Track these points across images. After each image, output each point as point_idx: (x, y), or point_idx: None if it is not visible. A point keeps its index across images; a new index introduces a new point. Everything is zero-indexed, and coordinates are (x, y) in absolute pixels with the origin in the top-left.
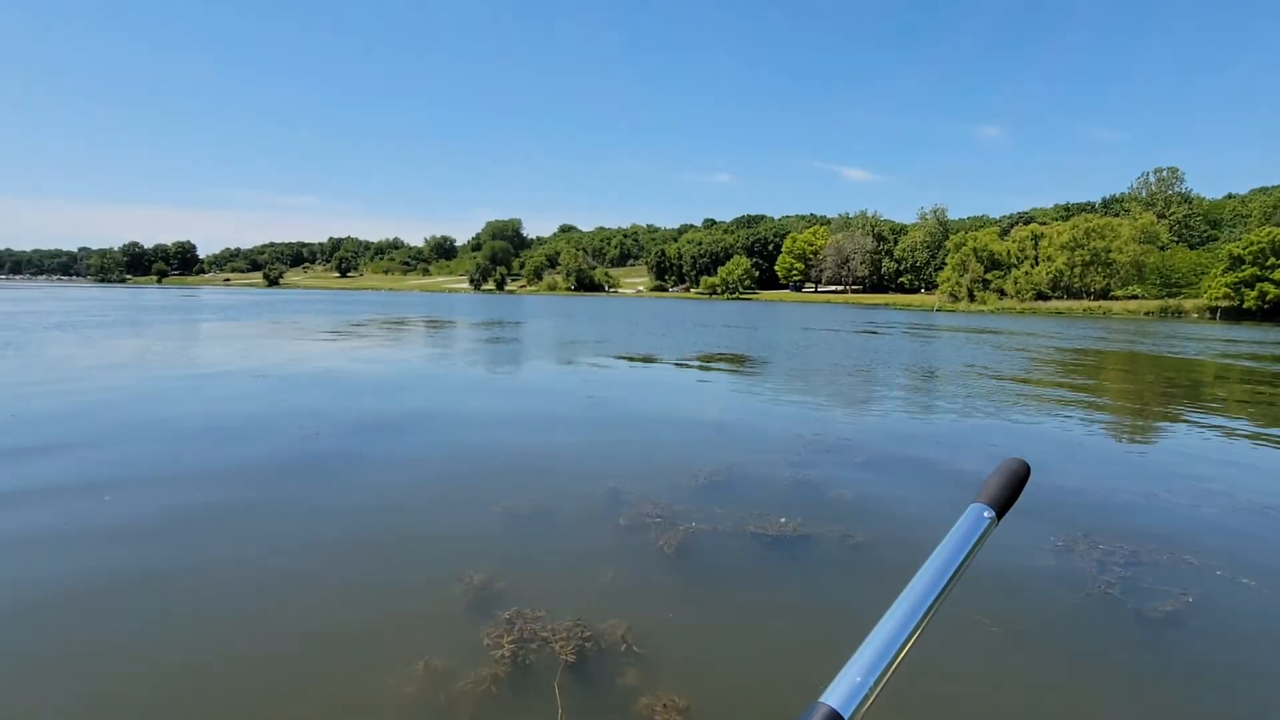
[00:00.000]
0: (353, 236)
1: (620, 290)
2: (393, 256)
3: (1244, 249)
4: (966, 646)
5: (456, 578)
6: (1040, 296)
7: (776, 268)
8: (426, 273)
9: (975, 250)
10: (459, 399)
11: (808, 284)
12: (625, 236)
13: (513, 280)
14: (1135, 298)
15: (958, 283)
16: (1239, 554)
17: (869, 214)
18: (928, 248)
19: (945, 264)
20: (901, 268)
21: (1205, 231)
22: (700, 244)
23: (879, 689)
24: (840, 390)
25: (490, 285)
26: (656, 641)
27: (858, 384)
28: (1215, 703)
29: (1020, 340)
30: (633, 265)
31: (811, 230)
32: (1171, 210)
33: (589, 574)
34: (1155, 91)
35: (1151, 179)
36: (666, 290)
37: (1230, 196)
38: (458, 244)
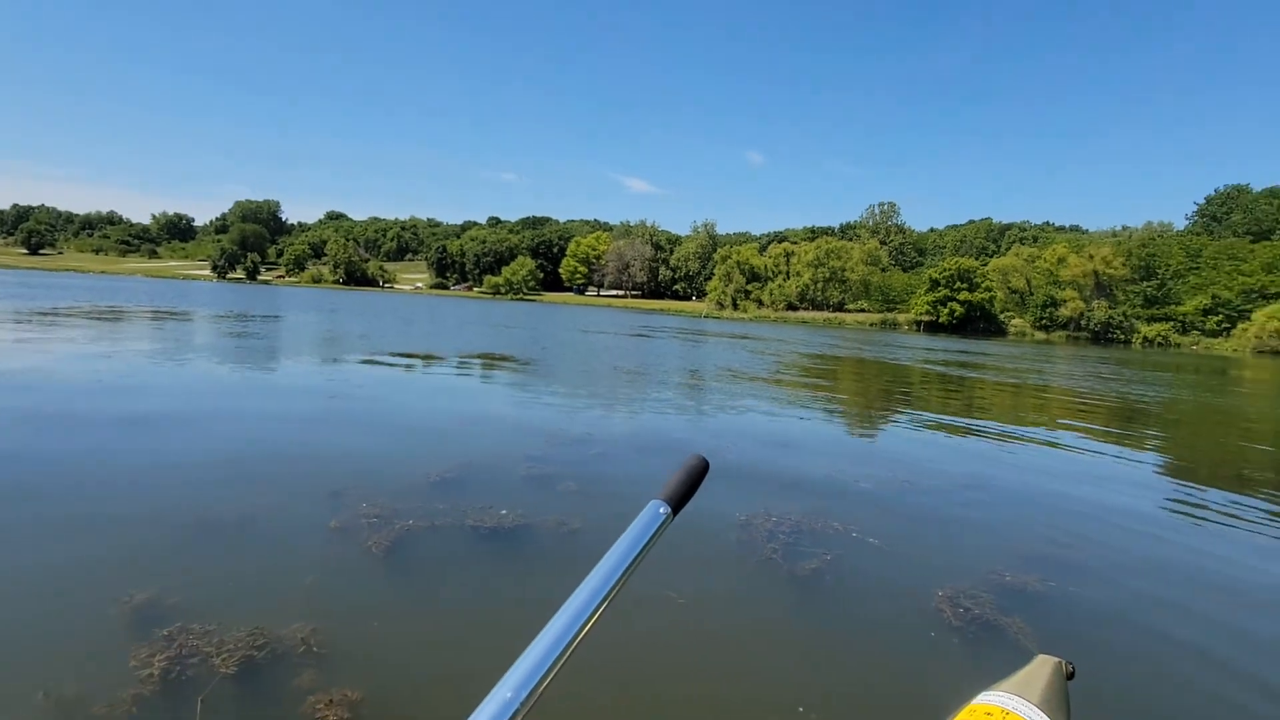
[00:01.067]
0: (48, 206)
1: (397, 286)
2: (106, 233)
3: (939, 274)
4: (656, 618)
5: (115, 599)
6: (790, 307)
7: (561, 270)
8: (154, 255)
9: (739, 263)
10: (168, 400)
11: (590, 287)
12: (404, 229)
13: (268, 270)
14: (863, 310)
15: (724, 292)
16: (875, 520)
17: (648, 223)
18: (699, 258)
19: (714, 274)
20: (677, 276)
21: (914, 258)
22: (485, 242)
23: (552, 675)
24: (600, 390)
25: (239, 274)
26: (343, 642)
27: (619, 383)
28: (841, 632)
29: (772, 345)
30: (412, 260)
31: (595, 235)
32: (891, 238)
33: (284, 581)
34: (880, 139)
35: (876, 210)
36: (448, 288)
37: (932, 230)
38: (196, 224)
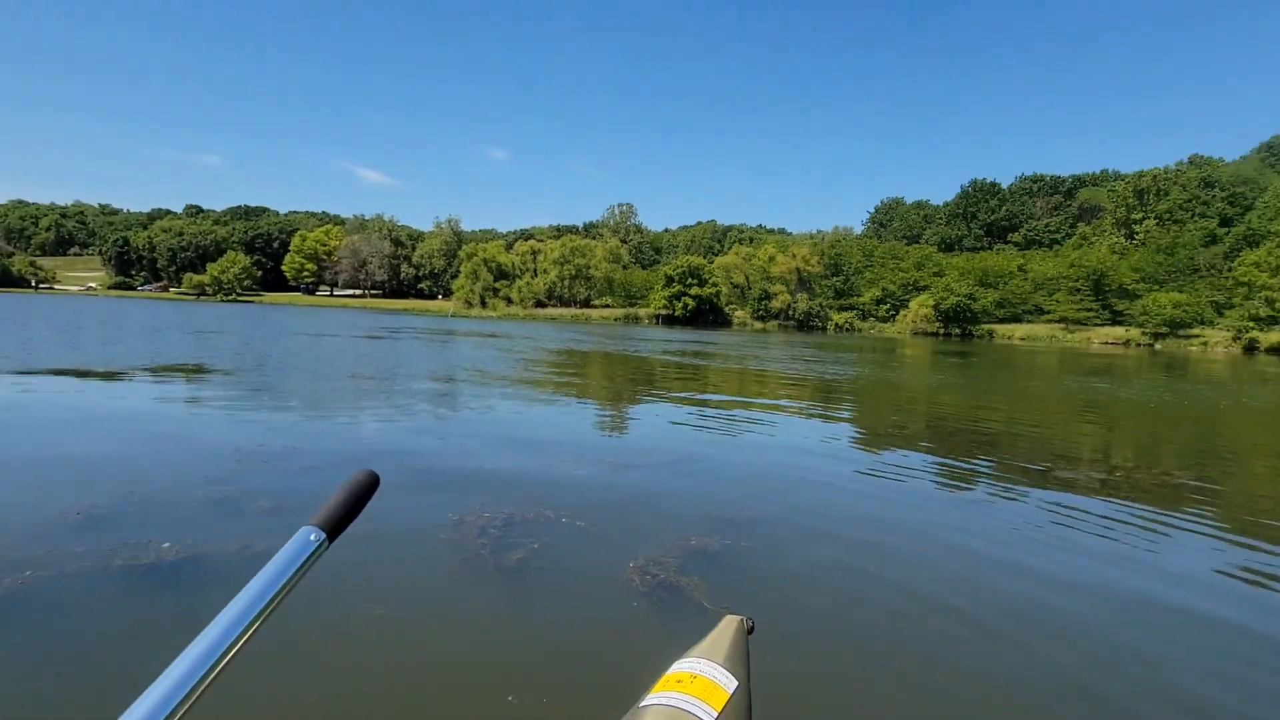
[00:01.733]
0: None
1: (61, 287)
2: None
3: (673, 271)
4: (353, 635)
5: None
6: (539, 304)
7: (285, 268)
8: None
9: (485, 261)
10: None
11: (323, 287)
12: (65, 217)
13: None
14: (608, 306)
15: (471, 290)
16: (587, 503)
17: (386, 218)
18: (444, 255)
19: (460, 272)
20: (421, 274)
21: (652, 256)
22: (183, 234)
23: (184, 709)
24: (322, 399)
25: None
26: None
27: (346, 391)
28: (546, 616)
29: (521, 343)
30: (81, 255)
31: (325, 229)
32: (630, 238)
33: None
34: (620, 143)
35: (616, 211)
36: (135, 289)
37: (666, 230)
38: None
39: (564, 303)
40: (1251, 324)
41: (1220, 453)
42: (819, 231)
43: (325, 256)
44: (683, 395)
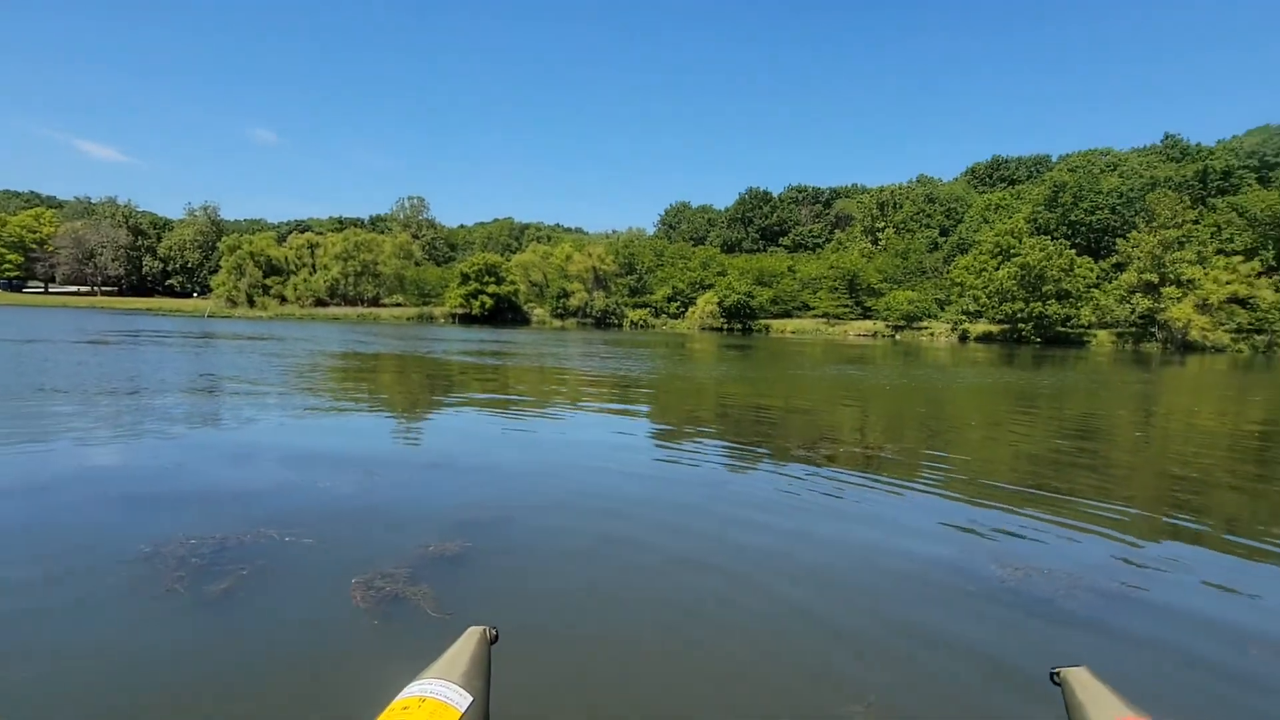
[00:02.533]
0: None
1: None
2: None
3: (469, 269)
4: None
5: None
6: (320, 303)
7: None
8: None
9: (253, 254)
10: None
11: (33, 281)
12: None
13: None
14: (399, 305)
15: (235, 287)
16: (319, 518)
17: (121, 201)
18: (200, 248)
19: (221, 267)
20: (170, 268)
21: (446, 252)
22: None
23: None
24: None
25: None
26: None
27: (31, 407)
28: (256, 651)
29: (295, 346)
30: None
31: (33, 213)
32: (423, 233)
33: None
34: (409, 134)
35: (406, 204)
36: None
37: (462, 226)
38: None
39: (349, 301)
40: (963, 317)
41: (944, 426)
42: (614, 231)
43: (35, 246)
44: (477, 397)
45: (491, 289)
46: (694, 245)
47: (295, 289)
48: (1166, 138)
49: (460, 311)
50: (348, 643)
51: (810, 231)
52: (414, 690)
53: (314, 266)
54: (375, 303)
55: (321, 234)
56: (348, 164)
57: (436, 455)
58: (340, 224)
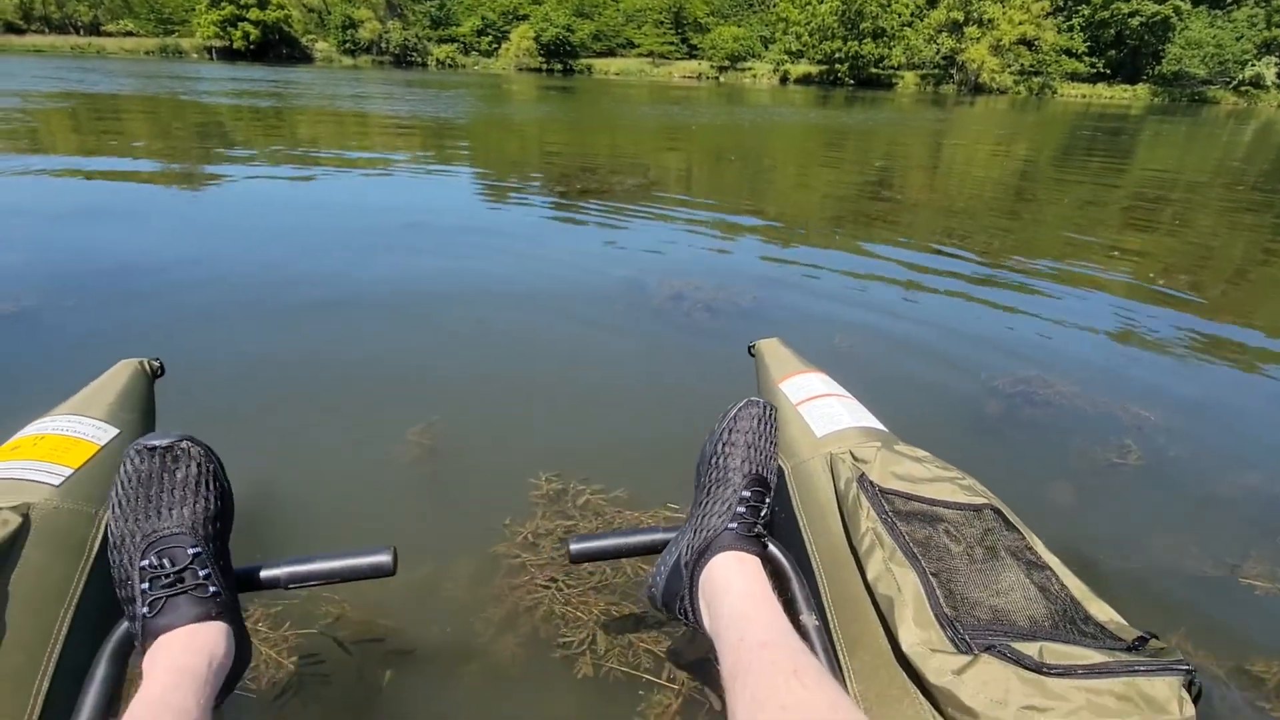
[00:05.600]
0: None
1: None
2: None
3: None
4: None
5: None
6: (11, 29)
7: None
8: None
9: None
10: None
11: None
12: None
13: None
14: (131, 34)
15: None
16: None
17: None
18: None
19: None
20: None
21: None
22: None
23: None
24: None
25: None
26: None
27: None
28: None
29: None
30: None
31: None
32: None
33: None
34: None
35: None
36: None
37: None
38: None
39: (56, 28)
40: (785, 57)
41: (763, 166)
42: None
43: None
44: (256, 149)
45: (254, 14)
46: None
47: None
48: None
49: (218, 44)
50: None
51: None
52: (30, 429)
53: None
54: (95, 30)
55: None
56: None
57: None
58: None
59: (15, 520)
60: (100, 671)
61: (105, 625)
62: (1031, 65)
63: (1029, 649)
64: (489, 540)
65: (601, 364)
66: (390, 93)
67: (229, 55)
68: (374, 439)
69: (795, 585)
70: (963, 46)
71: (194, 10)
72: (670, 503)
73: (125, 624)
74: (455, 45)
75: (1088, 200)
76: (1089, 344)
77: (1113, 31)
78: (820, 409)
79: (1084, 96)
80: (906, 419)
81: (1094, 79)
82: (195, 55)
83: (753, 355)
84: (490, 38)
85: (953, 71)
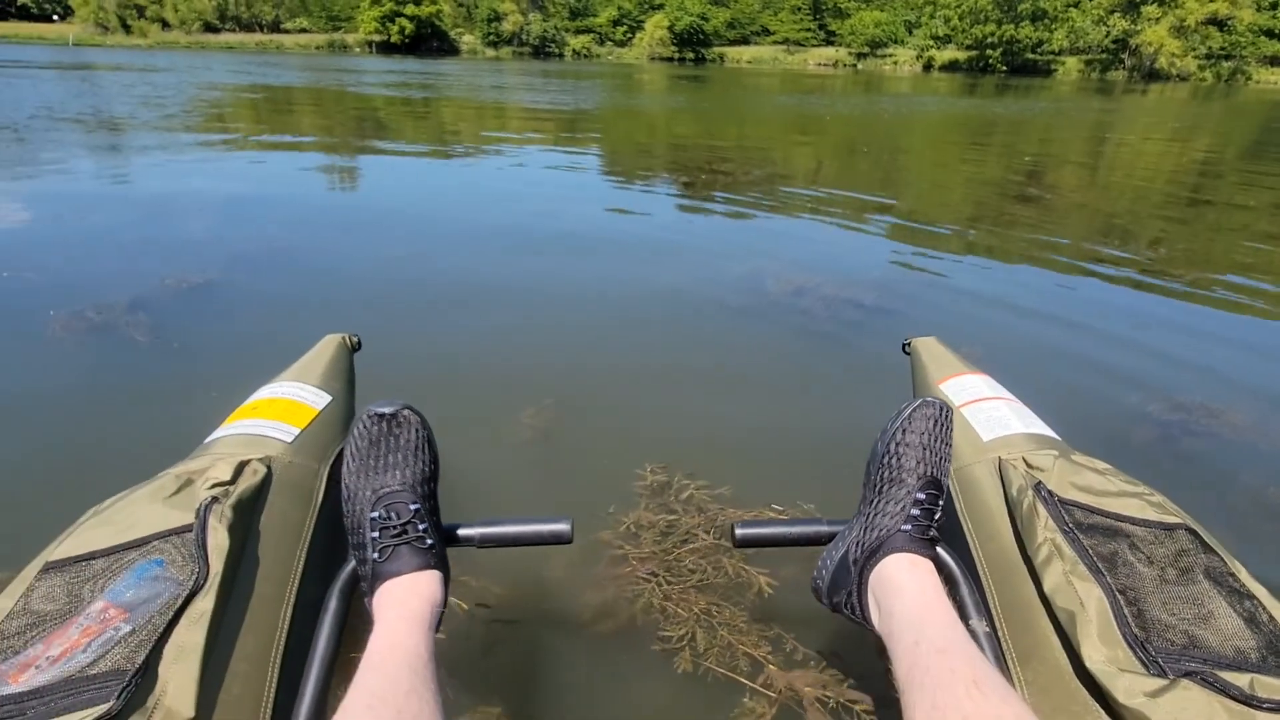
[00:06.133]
0: None
1: None
2: None
3: None
4: None
5: None
6: (210, 29)
7: None
8: None
9: None
10: None
11: None
12: None
13: None
14: (305, 31)
15: (102, 7)
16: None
17: None
18: None
19: None
20: None
21: None
22: None
23: None
24: None
25: None
26: None
27: None
28: None
29: (193, 76)
30: None
31: None
32: None
33: None
34: None
35: None
36: None
37: None
38: None
39: (245, 26)
40: (931, 42)
41: (904, 161)
42: None
43: None
44: (406, 138)
45: (410, 9)
46: None
47: (176, 9)
48: None
49: (378, 39)
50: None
51: None
52: (263, 393)
53: None
54: (275, 28)
55: None
56: None
57: (360, 201)
58: None
59: (262, 470)
60: (333, 604)
61: (329, 566)
62: (1222, 48)
63: (1238, 680)
64: (593, 527)
65: (715, 357)
66: (530, 83)
67: (386, 49)
68: (489, 419)
69: (965, 591)
70: (1138, 28)
71: (358, 8)
72: (775, 504)
73: (350, 566)
74: (591, 36)
75: None
76: (1267, 372)
77: None
78: (986, 412)
79: None
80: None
81: None
82: (358, 49)
83: (907, 353)
84: (625, 28)
85: (1124, 56)
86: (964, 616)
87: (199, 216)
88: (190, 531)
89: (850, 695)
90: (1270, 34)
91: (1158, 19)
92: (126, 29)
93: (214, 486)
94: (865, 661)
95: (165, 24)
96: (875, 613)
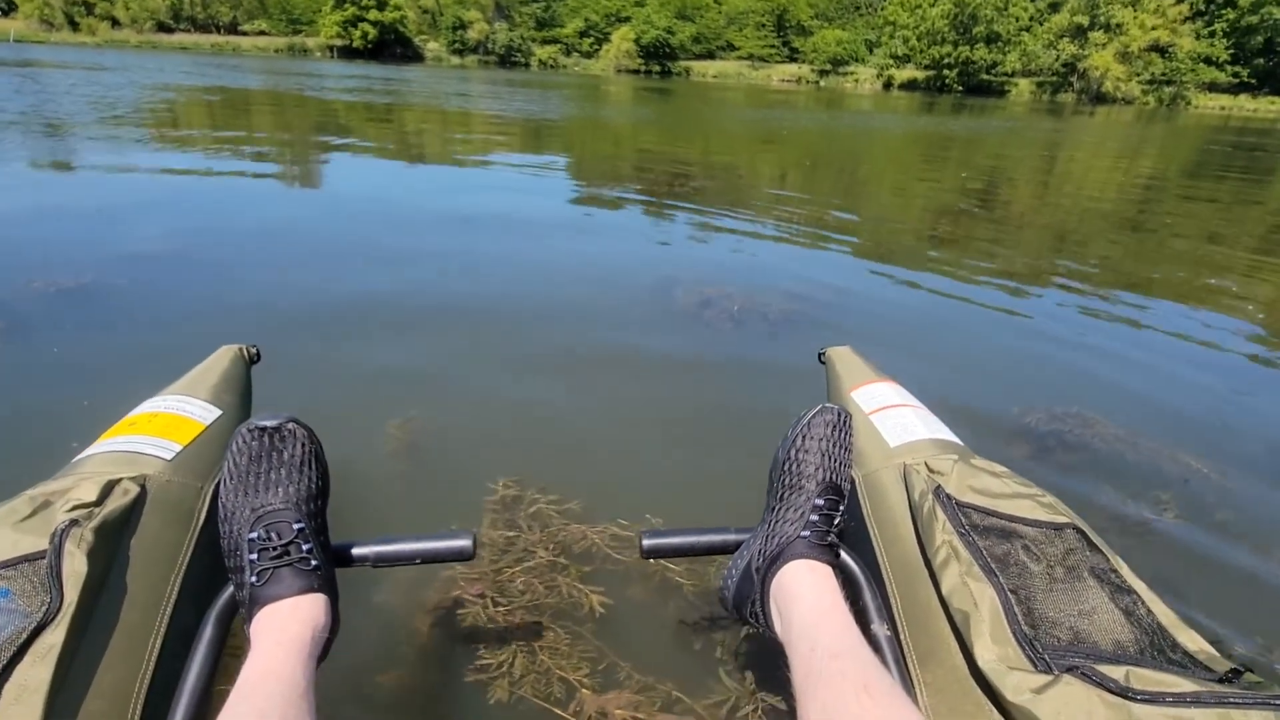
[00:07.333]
0: None
1: None
2: None
3: None
4: None
5: None
6: (163, 28)
7: None
8: None
9: None
10: None
11: None
12: None
13: None
14: (264, 33)
15: (47, 4)
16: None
17: None
18: None
19: None
20: None
21: None
22: None
23: None
24: None
25: None
26: None
27: None
28: None
29: (144, 76)
30: None
31: None
32: None
33: None
34: None
35: None
36: None
37: None
38: None
39: (200, 27)
40: (890, 61)
41: (860, 175)
42: None
43: None
44: (365, 142)
45: (373, 15)
46: None
47: (128, 6)
48: None
49: (339, 43)
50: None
51: None
52: (144, 408)
53: None
54: (233, 29)
55: None
56: None
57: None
58: None
59: (134, 489)
60: (208, 632)
61: (208, 591)
62: (1163, 73)
63: (1114, 673)
64: None
65: (613, 369)
66: (495, 92)
67: (348, 54)
68: (355, 431)
69: (867, 595)
70: (1086, 53)
71: (320, 11)
72: (620, 519)
73: (229, 590)
74: (558, 46)
75: (1218, 224)
76: (1159, 384)
77: (1261, 38)
78: (893, 419)
79: (1223, 108)
80: None
81: (1236, 89)
82: (319, 54)
83: (823, 362)
84: (592, 39)
85: (1072, 79)
86: (867, 621)
87: (95, 219)
88: (43, 558)
89: (660, 718)
90: (1209, 61)
91: (1104, 44)
92: (74, 26)
93: (75, 509)
94: (694, 676)
95: (116, 22)
96: (778, 620)
